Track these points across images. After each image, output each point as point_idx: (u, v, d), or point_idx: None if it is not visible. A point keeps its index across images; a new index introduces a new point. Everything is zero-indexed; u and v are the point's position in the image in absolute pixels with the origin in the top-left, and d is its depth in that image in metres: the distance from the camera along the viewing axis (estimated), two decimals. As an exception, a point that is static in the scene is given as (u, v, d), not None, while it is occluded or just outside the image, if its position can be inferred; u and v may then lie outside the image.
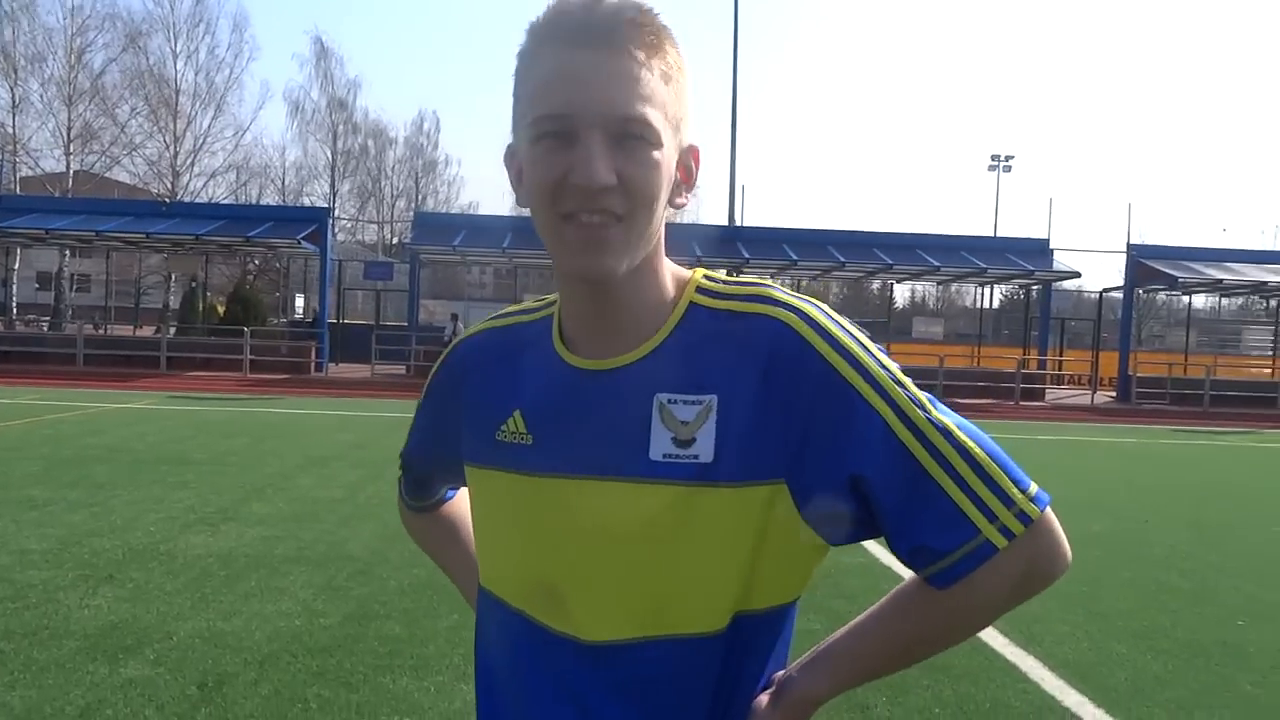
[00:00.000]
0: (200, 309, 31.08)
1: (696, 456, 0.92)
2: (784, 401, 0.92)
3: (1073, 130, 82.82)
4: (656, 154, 0.89)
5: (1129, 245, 26.24)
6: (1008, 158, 53.05)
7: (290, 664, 3.93)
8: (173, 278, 36.01)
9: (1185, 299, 30.95)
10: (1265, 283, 24.99)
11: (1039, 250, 25.96)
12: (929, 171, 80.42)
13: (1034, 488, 0.93)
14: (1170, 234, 69.37)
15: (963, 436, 0.93)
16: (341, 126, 47.87)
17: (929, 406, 0.93)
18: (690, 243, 25.15)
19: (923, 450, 0.91)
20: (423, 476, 1.27)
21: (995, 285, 29.32)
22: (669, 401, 0.93)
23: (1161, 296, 37.13)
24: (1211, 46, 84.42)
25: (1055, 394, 25.67)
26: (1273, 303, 29.49)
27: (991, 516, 0.91)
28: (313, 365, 23.00)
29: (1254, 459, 13.91)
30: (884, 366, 0.93)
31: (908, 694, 3.81)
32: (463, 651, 4.15)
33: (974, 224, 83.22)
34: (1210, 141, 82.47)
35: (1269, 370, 27.52)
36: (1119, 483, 10.11)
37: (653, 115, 0.88)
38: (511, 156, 0.97)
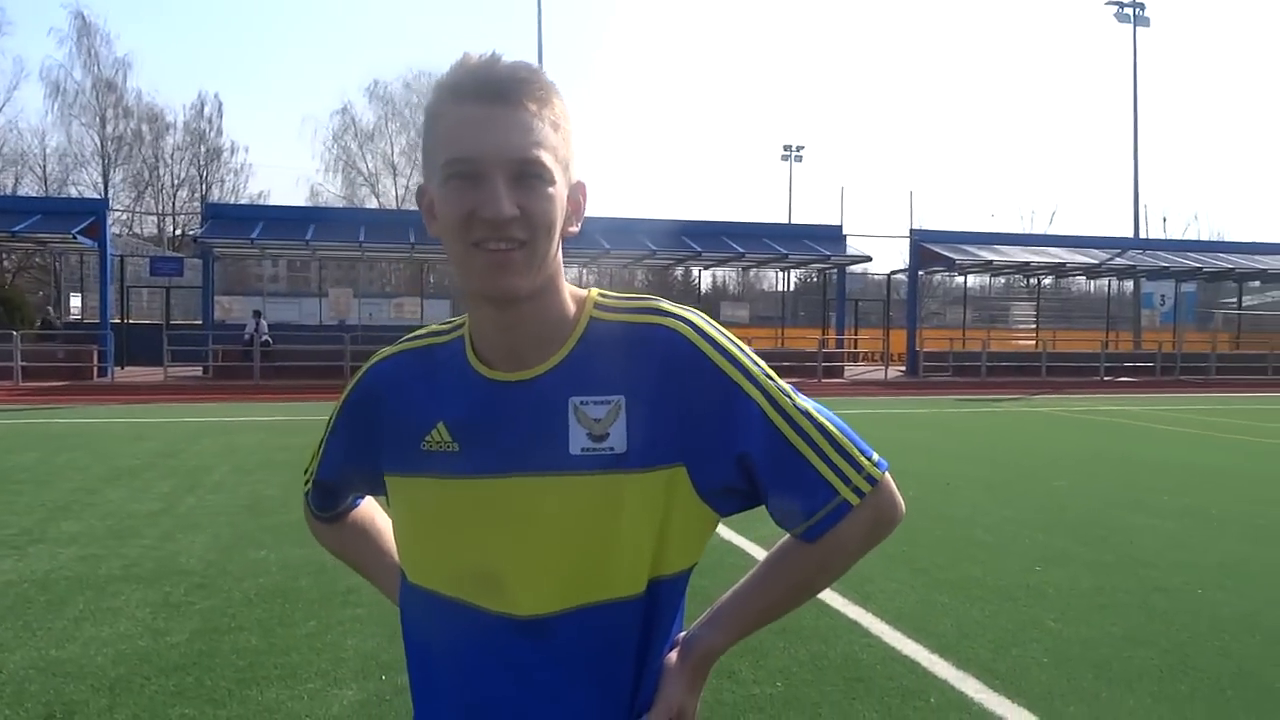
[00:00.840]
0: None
1: (612, 449, 1.08)
2: (679, 397, 1.09)
3: (858, 122, 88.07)
4: (551, 189, 1.05)
5: (912, 231, 28.32)
6: (799, 148, 55.89)
7: (144, 686, 3.73)
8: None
9: (961, 279, 33.77)
10: (1028, 263, 27.66)
11: (834, 237, 27.56)
12: (726, 161, 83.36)
13: (875, 455, 1.16)
14: (947, 219, 75.18)
15: (820, 418, 1.14)
16: (111, 110, 44.23)
17: (793, 395, 1.14)
18: (502, 232, 25.04)
19: (791, 430, 1.12)
20: (333, 489, 1.35)
21: (794, 270, 30.86)
22: (582, 404, 1.09)
23: (939, 277, 40.28)
24: (979, 48, 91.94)
25: (853, 370, 27.40)
26: (1033, 281, 32.68)
27: (845, 480, 1.12)
28: (95, 370, 21.22)
29: (1029, 422, 15.43)
30: (757, 364, 1.13)
31: (767, 657, 4.08)
32: (329, 657, 4.07)
33: (770, 211, 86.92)
34: (979, 132, 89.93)
35: (1033, 342, 30.44)
36: (919, 450, 11.02)
37: (545, 157, 1.04)
38: (422, 194, 1.11)
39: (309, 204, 44.06)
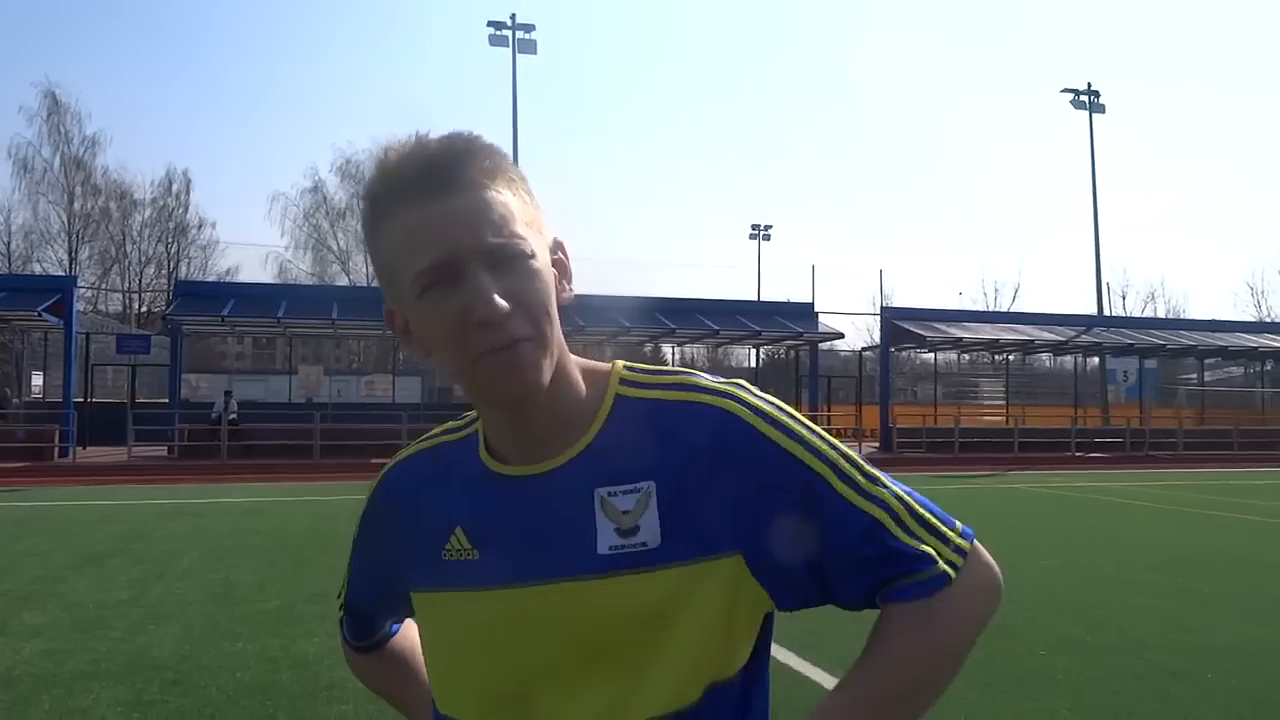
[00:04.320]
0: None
1: (644, 544, 0.94)
2: (731, 478, 0.96)
3: (824, 202, 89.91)
4: (535, 264, 0.93)
5: (883, 308, 28.78)
6: (767, 227, 56.77)
7: (118, 797, 3.47)
8: None
9: (928, 355, 34.15)
10: (998, 340, 28.05)
11: (805, 314, 27.85)
12: (694, 239, 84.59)
13: (960, 525, 1.04)
14: (914, 297, 76.45)
15: (895, 489, 1.01)
16: (79, 187, 44.09)
17: (863, 465, 1.01)
18: (476, 310, 25.04)
19: (867, 503, 0.98)
20: (366, 616, 1.22)
21: (765, 347, 31.06)
22: (609, 494, 0.96)
23: (906, 353, 40.75)
24: (943, 130, 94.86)
25: (826, 447, 27.35)
26: (999, 357, 33.11)
27: (938, 553, 0.99)
28: (57, 450, 20.68)
29: (1007, 499, 15.42)
30: (818, 435, 1.00)
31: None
32: (316, 760, 3.83)
33: (737, 288, 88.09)
34: (943, 212, 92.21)
35: (1003, 418, 30.68)
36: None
37: (518, 230, 0.92)
38: (392, 317, 0.98)
39: (278, 281, 43.94)
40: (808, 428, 1.00)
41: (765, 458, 0.97)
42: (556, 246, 1.00)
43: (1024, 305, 51.53)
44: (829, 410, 30.13)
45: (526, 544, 0.97)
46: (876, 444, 27.44)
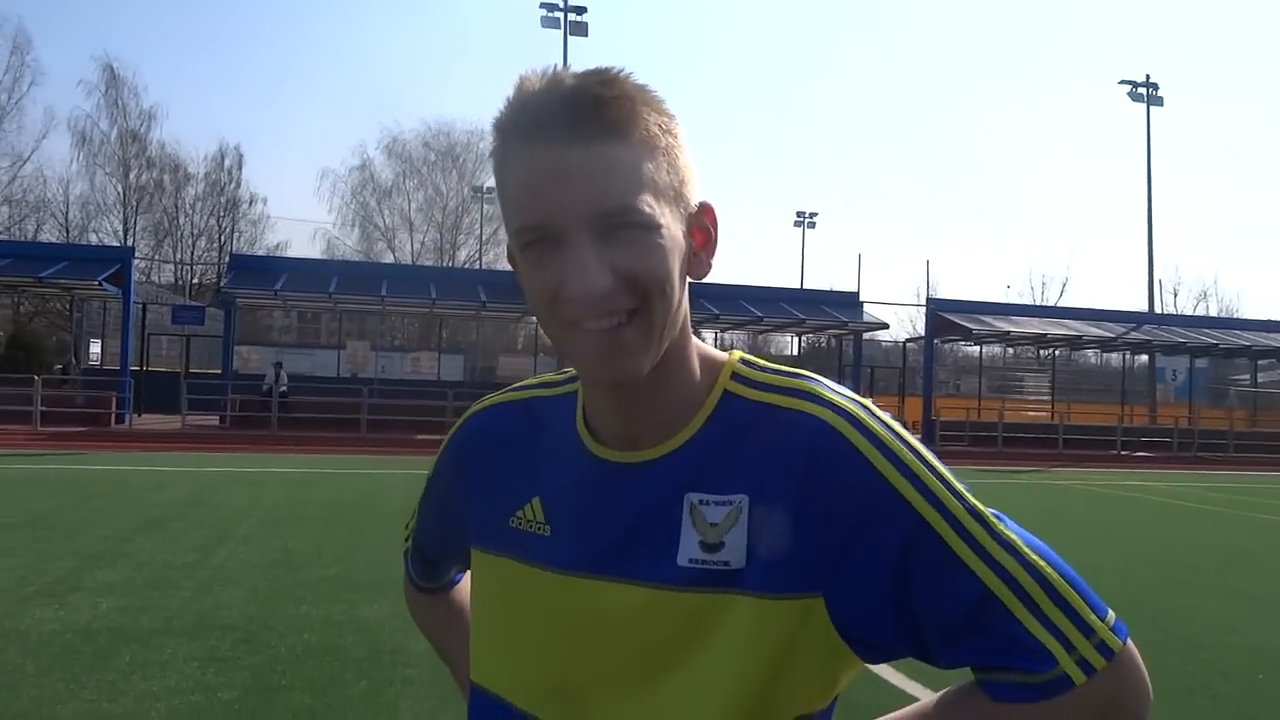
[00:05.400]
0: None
1: (727, 563, 0.85)
2: (825, 509, 0.83)
3: (871, 190, 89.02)
4: (657, 237, 0.81)
5: (928, 299, 28.49)
6: (812, 215, 56.42)
7: (203, 745, 3.66)
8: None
9: (972, 348, 33.83)
10: (1044, 335, 27.71)
11: (850, 303, 27.72)
12: (738, 225, 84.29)
13: (1112, 616, 0.84)
14: (960, 288, 75.63)
15: (1032, 555, 0.84)
16: (134, 160, 44.96)
17: (991, 521, 0.85)
18: (520, 290, 25.19)
19: (986, 569, 0.82)
20: (431, 559, 1.17)
21: (806, 335, 30.98)
22: (700, 502, 0.86)
23: (949, 346, 40.40)
24: (995, 119, 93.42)
25: (867, 438, 27.24)
26: (1045, 352, 32.71)
27: (1069, 647, 0.81)
28: (114, 417, 21.24)
29: (1052, 495, 15.28)
30: (939, 475, 0.85)
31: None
32: None
33: (780, 277, 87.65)
34: (992, 203, 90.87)
35: (1047, 413, 30.34)
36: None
37: (640, 198, 0.79)
38: (512, 259, 0.88)
39: (325, 257, 44.54)
40: (929, 465, 0.85)
41: (866, 491, 0.83)
42: (701, 214, 0.87)
43: (1072, 300, 50.82)
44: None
45: (605, 536, 0.89)
46: (918, 436, 27.28)
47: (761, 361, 0.93)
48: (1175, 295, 52.72)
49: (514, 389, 1.05)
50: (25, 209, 39.02)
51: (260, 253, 44.14)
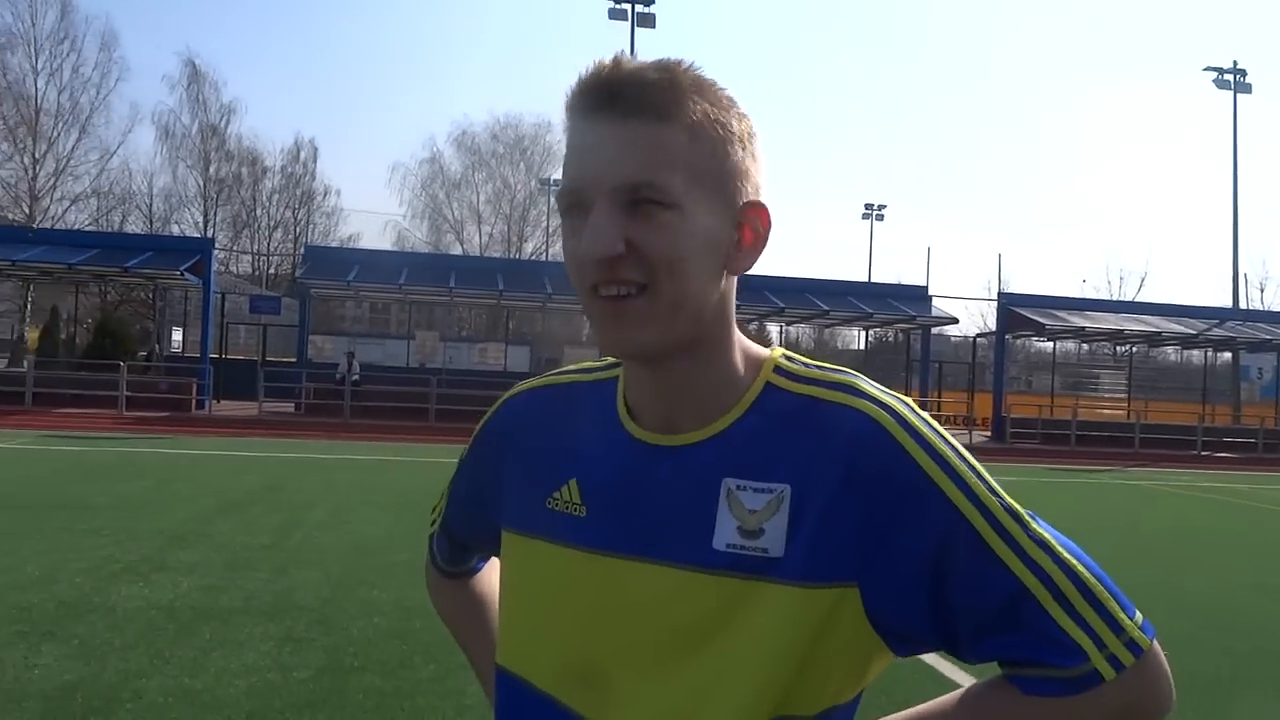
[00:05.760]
0: (60, 341, 29.35)
1: (765, 550, 0.86)
2: (865, 500, 0.85)
3: (941, 182, 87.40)
4: (672, 215, 0.83)
5: (1000, 293, 27.90)
6: (880, 207, 55.63)
7: (279, 721, 3.79)
8: (29, 308, 33.82)
9: (1045, 344, 33.04)
10: (1121, 331, 26.93)
11: (919, 297, 27.30)
12: (803, 217, 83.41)
13: (1140, 615, 0.86)
14: (1033, 283, 73.85)
15: (1065, 553, 0.86)
16: (214, 153, 46.23)
17: (1026, 519, 0.87)
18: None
19: (1021, 565, 0.84)
20: (458, 542, 1.17)
21: (873, 329, 30.60)
22: (738, 488, 0.88)
23: (1021, 341, 39.52)
24: (1069, 109, 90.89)
25: (935, 434, 26.80)
26: (1122, 349, 31.79)
27: (1100, 644, 0.83)
28: (194, 402, 21.95)
29: (1127, 495, 14.89)
30: (977, 473, 0.87)
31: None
32: (453, 703, 4.09)
33: (847, 270, 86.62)
34: (1068, 195, 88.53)
35: (1124, 411, 29.50)
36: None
37: (665, 176, 0.82)
38: None
39: (396, 249, 45.30)
40: (968, 463, 0.87)
41: (906, 483, 0.85)
42: (750, 211, 0.89)
43: (1151, 295, 49.27)
44: (939, 396, 29.53)
45: (640, 517, 0.90)
46: (988, 433, 26.77)
47: (802, 357, 0.95)
48: (1262, 290, 50.71)
49: (553, 373, 1.07)
50: (112, 201, 40.41)
51: (334, 244, 45.16)
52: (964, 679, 4.65)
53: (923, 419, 0.88)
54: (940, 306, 27.63)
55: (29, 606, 5.18)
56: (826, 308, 25.28)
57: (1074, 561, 0.85)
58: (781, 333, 33.21)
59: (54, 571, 5.97)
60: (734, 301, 0.92)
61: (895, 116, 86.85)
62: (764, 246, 0.90)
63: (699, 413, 0.91)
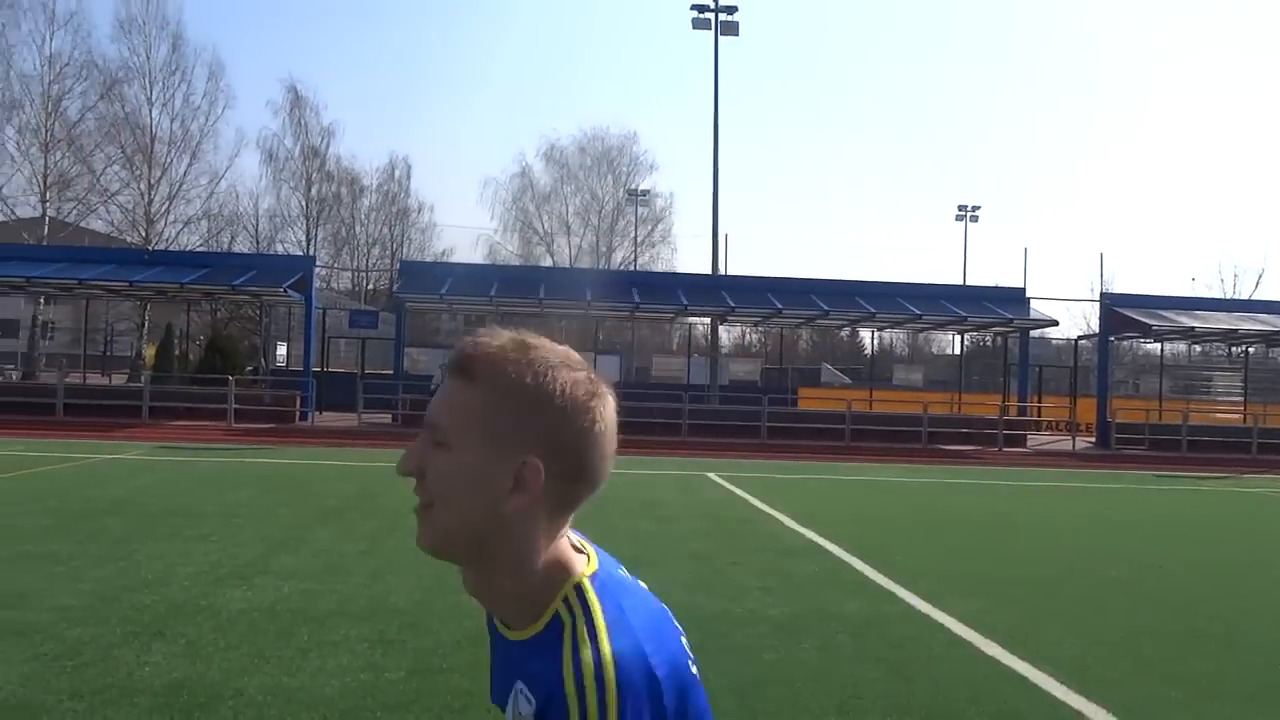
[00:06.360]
0: (174, 357, 30.83)
1: None
2: None
3: (1039, 180, 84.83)
4: (448, 456, 1.03)
5: (1103, 294, 26.92)
6: (974, 208, 54.23)
7: (370, 719, 3.91)
8: (145, 326, 35.63)
9: (1155, 346, 31.67)
10: (1235, 330, 25.64)
11: (1016, 299, 26.48)
12: (892, 220, 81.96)
13: None
14: (1137, 283, 71.02)
15: None
16: (315, 174, 47.91)
17: None
18: (676, 291, 25.41)
19: None
20: None
21: (968, 333, 29.81)
22: (519, 691, 1.04)
23: (1126, 344, 37.93)
24: (1173, 100, 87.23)
25: (1036, 440, 26.01)
26: (1235, 350, 30.24)
27: None
28: (298, 414, 22.78)
29: (1243, 504, 14.17)
30: None
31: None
32: (537, 705, 4.16)
33: (936, 271, 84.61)
34: (1173, 190, 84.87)
35: (1240, 416, 28.06)
36: (1124, 529, 10.28)
37: (450, 423, 1.04)
38: None
39: (487, 262, 46.20)
40: None
41: None
42: (524, 467, 1.03)
43: (1268, 293, 46.79)
44: (1039, 401, 28.62)
45: (496, 682, 1.13)
46: (1092, 439, 25.81)
47: (594, 597, 1.05)
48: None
49: None
50: (221, 223, 42.19)
51: (428, 259, 46.29)
52: (1052, 685, 4.51)
53: (608, 689, 0.97)
54: (1039, 308, 26.76)
55: (143, 607, 5.47)
56: (919, 312, 24.73)
57: None
58: (874, 338, 32.67)
59: (166, 575, 6.29)
60: (536, 529, 1.05)
61: (988, 116, 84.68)
62: (532, 500, 1.04)
63: (513, 616, 1.08)
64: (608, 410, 1.08)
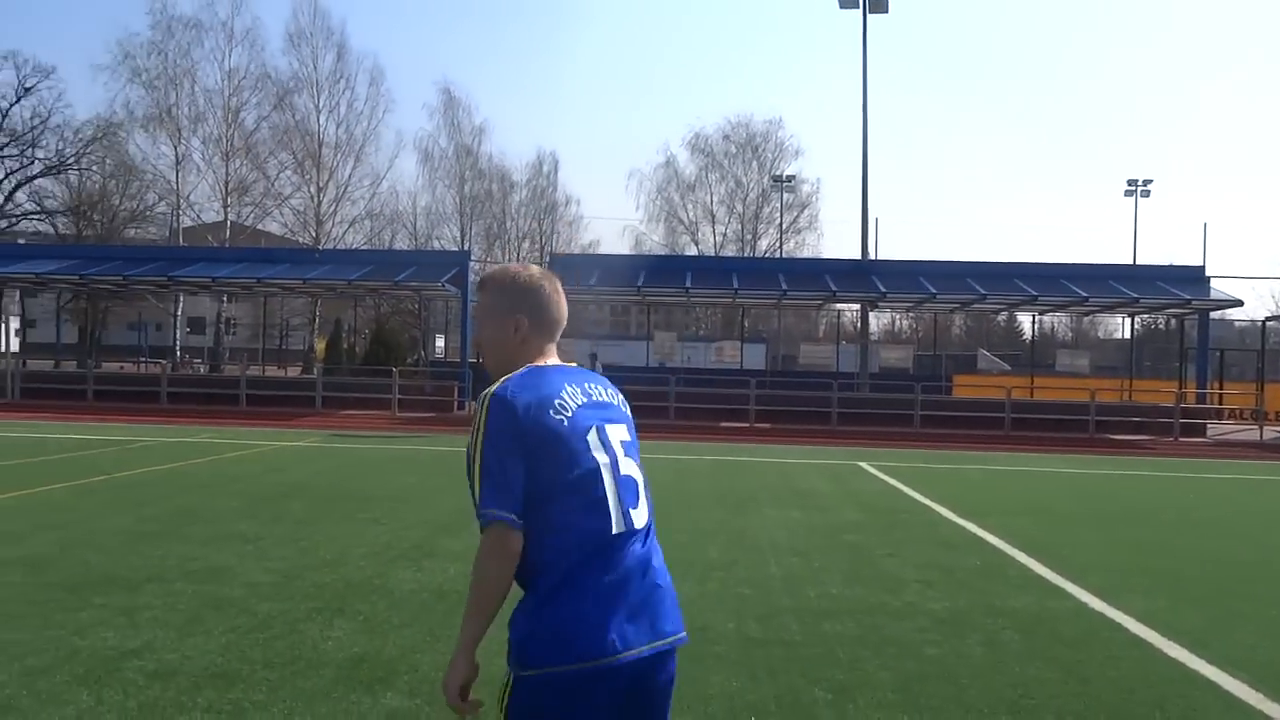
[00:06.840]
0: (343, 350, 32.61)
1: None
2: None
3: (1218, 152, 78.76)
4: (481, 327, 2.19)
5: (1295, 271, 24.66)
6: (1146, 181, 50.93)
7: (536, 699, 4.04)
8: (316, 320, 37.85)
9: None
10: None
11: (1194, 279, 24.72)
12: (1053, 199, 77.79)
13: (492, 511, 2.06)
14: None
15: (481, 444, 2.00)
16: (468, 172, 49.55)
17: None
18: (823, 277, 24.99)
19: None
20: None
21: (1140, 316, 28.01)
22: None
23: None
24: (1368, 58, 79.16)
25: (1218, 429, 24.25)
26: None
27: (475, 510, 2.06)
28: (456, 403, 23.71)
29: None
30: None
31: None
32: (695, 693, 4.19)
33: (1102, 251, 79.84)
34: (1370, 158, 77.15)
35: None
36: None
37: (479, 312, 2.21)
38: None
39: (633, 252, 46.69)
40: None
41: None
42: (518, 321, 2.13)
43: None
44: (1221, 388, 26.64)
45: None
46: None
47: (544, 366, 2.23)
48: None
49: None
50: (383, 221, 44.37)
51: (576, 251, 47.20)
52: (1246, 692, 4.20)
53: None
54: (1220, 288, 24.86)
55: (323, 585, 5.83)
56: (1085, 294, 23.42)
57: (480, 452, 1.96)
58: (1034, 323, 31.21)
59: (342, 555, 6.68)
60: (528, 351, 2.15)
61: (1158, 87, 79.12)
62: (525, 336, 2.14)
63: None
64: (556, 288, 2.13)
